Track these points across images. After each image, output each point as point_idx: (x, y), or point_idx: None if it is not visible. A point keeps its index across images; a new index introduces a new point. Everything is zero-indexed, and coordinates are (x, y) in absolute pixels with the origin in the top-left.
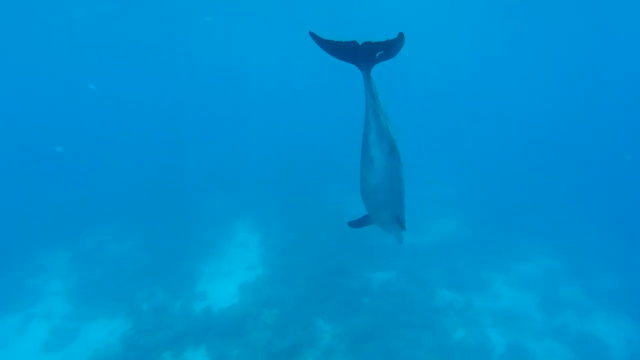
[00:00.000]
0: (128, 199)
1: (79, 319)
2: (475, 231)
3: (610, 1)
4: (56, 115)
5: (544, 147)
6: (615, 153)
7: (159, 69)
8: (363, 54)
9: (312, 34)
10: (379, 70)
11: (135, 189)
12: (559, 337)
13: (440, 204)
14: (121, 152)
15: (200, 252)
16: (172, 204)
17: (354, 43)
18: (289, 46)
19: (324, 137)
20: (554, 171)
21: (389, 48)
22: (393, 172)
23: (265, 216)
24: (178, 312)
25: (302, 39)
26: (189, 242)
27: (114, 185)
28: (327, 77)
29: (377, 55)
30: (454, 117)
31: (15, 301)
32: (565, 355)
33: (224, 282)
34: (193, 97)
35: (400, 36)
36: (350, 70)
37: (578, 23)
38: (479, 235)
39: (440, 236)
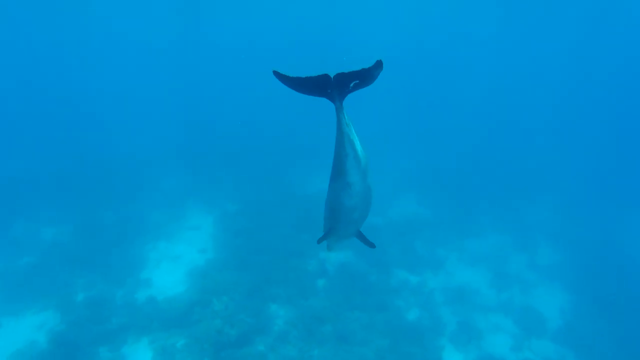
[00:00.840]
0: (67, 178)
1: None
2: (432, 210)
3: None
4: None
5: (500, 131)
6: (565, 137)
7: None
8: (336, 87)
9: (276, 73)
10: None
11: (76, 167)
12: (505, 311)
13: (400, 181)
14: (62, 127)
15: (147, 235)
16: (118, 185)
17: (326, 77)
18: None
19: (284, 117)
20: (507, 153)
21: (365, 77)
22: (367, 191)
23: (220, 198)
24: (118, 302)
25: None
26: (135, 225)
27: (51, 163)
28: (293, 56)
29: (352, 85)
30: (419, 95)
31: None
32: (509, 329)
33: (172, 267)
34: (145, 71)
35: (378, 64)
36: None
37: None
38: (436, 214)
39: (398, 216)
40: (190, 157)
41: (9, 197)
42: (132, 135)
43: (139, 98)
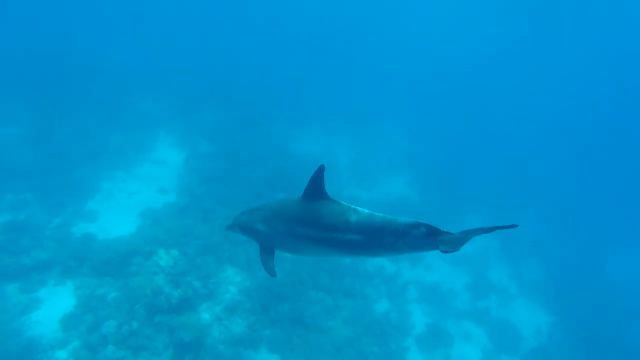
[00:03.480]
0: (30, 71)
1: None
2: (421, 196)
3: None
4: None
5: (504, 132)
6: (565, 147)
7: None
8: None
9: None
10: None
11: (44, 61)
12: (479, 320)
13: (392, 158)
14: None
15: (105, 160)
16: (87, 93)
17: None
18: None
19: (281, 66)
20: (508, 157)
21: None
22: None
23: (196, 134)
24: (48, 233)
25: None
26: (92, 145)
27: (19, 48)
28: None
29: None
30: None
31: None
32: (480, 340)
33: (123, 204)
34: None
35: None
36: None
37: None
38: (424, 202)
39: (384, 195)
40: (173, 82)
41: None
42: (116, 44)
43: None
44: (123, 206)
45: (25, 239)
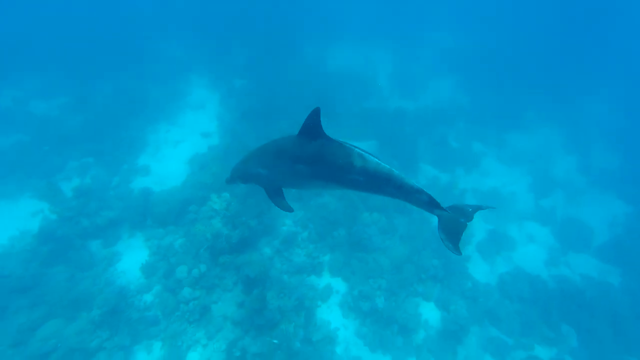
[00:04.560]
0: (60, 43)
1: None
2: (472, 97)
3: None
4: None
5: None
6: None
7: None
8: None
9: None
10: None
11: (71, 32)
12: (544, 220)
13: (436, 59)
14: None
15: (147, 115)
16: (115, 53)
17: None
18: None
19: None
20: (567, 35)
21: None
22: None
23: (227, 71)
24: (112, 192)
25: None
26: (133, 101)
27: (44, 25)
28: None
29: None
30: None
31: None
32: (546, 239)
33: (172, 154)
34: None
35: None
36: None
37: None
38: (476, 103)
39: (431, 101)
40: (197, 23)
41: None
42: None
43: None
44: (171, 156)
45: (94, 201)
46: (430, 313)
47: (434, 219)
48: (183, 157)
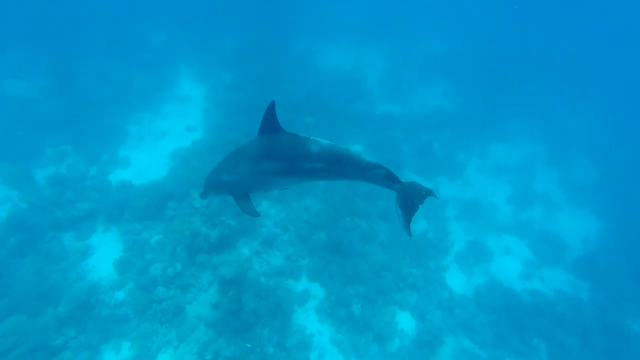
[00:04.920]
0: (45, 20)
1: None
2: (458, 104)
3: None
4: None
5: (547, 25)
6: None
7: None
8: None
9: None
10: None
11: (55, 8)
12: (521, 233)
13: (426, 65)
14: None
15: (130, 103)
16: (98, 34)
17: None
18: None
19: None
20: (556, 47)
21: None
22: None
23: (216, 63)
24: (88, 183)
25: None
26: (117, 88)
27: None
28: None
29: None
30: None
31: None
32: (522, 252)
33: (154, 145)
34: None
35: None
36: None
37: None
38: (462, 111)
39: (419, 107)
40: (189, 10)
41: None
42: None
43: None
44: (153, 148)
45: (69, 191)
46: (406, 322)
47: (415, 227)
48: (165, 151)
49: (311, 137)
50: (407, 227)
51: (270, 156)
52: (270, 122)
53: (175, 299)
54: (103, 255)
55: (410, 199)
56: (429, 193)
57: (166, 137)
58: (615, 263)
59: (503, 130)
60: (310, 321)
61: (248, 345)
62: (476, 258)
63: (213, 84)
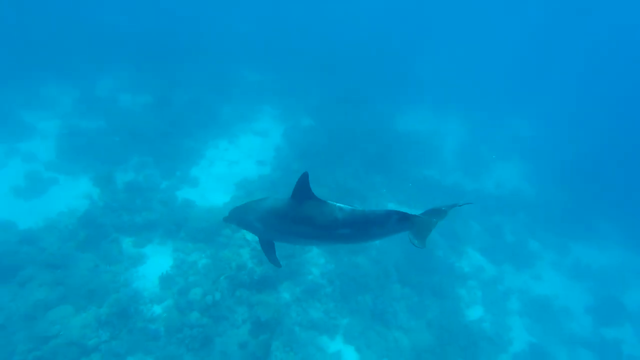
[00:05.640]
0: (154, 49)
1: (57, 171)
2: (539, 189)
3: None
4: None
5: None
6: None
7: None
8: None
9: None
10: None
11: (164, 40)
12: (603, 353)
13: (507, 144)
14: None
15: (212, 129)
16: (198, 67)
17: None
18: None
19: (391, 43)
20: None
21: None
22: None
23: (298, 108)
24: (159, 195)
25: None
26: (205, 114)
27: (143, 28)
28: None
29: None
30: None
31: (5, 131)
32: None
33: (223, 172)
34: None
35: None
36: None
37: None
38: (542, 197)
39: (494, 185)
40: (281, 56)
41: (101, 51)
42: (229, 14)
43: None
44: (222, 175)
45: (140, 199)
46: None
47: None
48: (233, 179)
49: (337, 204)
50: (421, 243)
51: (301, 220)
52: (303, 190)
53: (206, 329)
54: (153, 266)
55: (427, 222)
56: (452, 206)
57: (236, 166)
58: None
59: (590, 229)
60: None
61: None
62: None
63: (291, 126)
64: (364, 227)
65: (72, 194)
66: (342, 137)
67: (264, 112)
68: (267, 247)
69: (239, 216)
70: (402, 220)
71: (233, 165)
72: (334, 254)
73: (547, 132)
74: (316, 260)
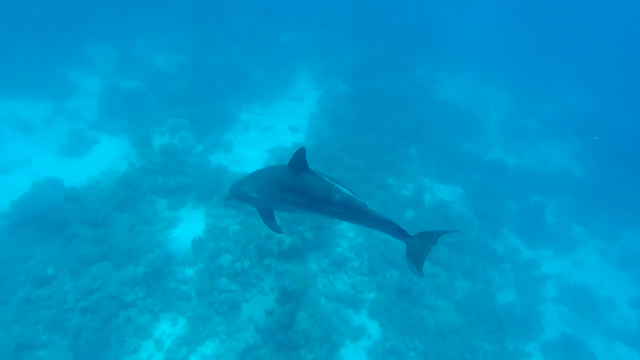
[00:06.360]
0: (192, 11)
1: (98, 130)
2: (588, 171)
3: None
4: None
5: None
6: None
7: None
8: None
9: None
10: None
11: (201, 4)
12: (635, 345)
13: (557, 120)
14: None
15: (246, 93)
16: (232, 26)
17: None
18: None
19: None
20: None
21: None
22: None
23: (335, 72)
24: (192, 159)
25: None
26: (239, 77)
27: None
28: None
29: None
30: None
31: (51, 89)
32: None
33: (257, 138)
34: None
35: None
36: None
37: None
38: (592, 179)
39: (538, 163)
40: (317, 17)
41: (136, 10)
42: None
43: None
44: (256, 140)
45: (174, 163)
46: None
47: (500, 297)
48: (266, 145)
49: (335, 184)
50: (418, 271)
51: (296, 190)
52: (298, 164)
53: (234, 294)
54: (186, 230)
55: (421, 245)
56: (441, 233)
57: (270, 132)
58: None
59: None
60: None
61: None
62: (570, 357)
63: (326, 92)
64: (358, 215)
65: (113, 155)
66: (377, 105)
67: (297, 74)
68: (265, 215)
69: (236, 191)
70: (399, 233)
71: (267, 131)
72: (363, 228)
73: (609, 109)
74: (345, 232)
